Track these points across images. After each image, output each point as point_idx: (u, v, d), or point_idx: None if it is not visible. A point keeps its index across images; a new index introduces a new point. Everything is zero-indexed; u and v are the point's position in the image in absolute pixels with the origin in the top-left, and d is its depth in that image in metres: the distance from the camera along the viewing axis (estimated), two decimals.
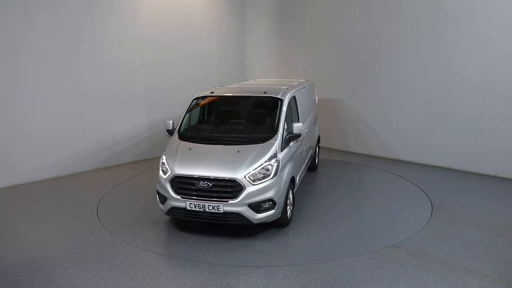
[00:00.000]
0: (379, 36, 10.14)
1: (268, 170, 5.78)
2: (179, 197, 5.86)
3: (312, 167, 9.18)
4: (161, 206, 6.20)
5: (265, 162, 5.80)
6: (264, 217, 5.78)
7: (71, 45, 9.06)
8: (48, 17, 8.65)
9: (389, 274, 4.96)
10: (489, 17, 8.38)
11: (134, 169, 9.67)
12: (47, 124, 8.88)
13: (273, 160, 5.87)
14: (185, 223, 6.46)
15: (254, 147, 6.02)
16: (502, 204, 7.17)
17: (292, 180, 6.47)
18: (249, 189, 5.63)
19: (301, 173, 7.49)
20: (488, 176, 8.75)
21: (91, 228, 6.43)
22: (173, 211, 6.00)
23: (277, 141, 6.10)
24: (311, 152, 8.56)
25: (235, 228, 6.22)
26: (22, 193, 8.17)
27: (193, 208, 5.78)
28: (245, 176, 5.65)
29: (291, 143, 6.56)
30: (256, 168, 5.73)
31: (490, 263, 5.18)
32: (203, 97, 7.28)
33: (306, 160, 8.01)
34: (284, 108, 6.58)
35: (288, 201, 6.19)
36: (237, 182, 5.64)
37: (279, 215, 5.99)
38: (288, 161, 6.30)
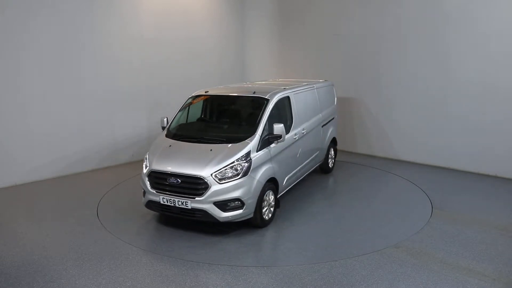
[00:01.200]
0: (379, 36, 10.14)
1: (237, 169, 5.83)
2: (154, 191, 6.15)
3: (325, 170, 9.09)
4: (142, 198, 6.51)
5: (235, 161, 5.86)
6: (231, 216, 5.84)
7: (71, 45, 9.06)
8: (48, 17, 8.65)
9: (389, 274, 4.96)
10: (489, 17, 8.38)
11: (134, 169, 9.67)
12: (47, 124, 8.88)
13: (244, 160, 5.90)
14: (186, 222, 6.48)
15: (228, 146, 6.10)
16: (502, 204, 7.17)
17: (274, 181, 6.46)
18: (215, 187, 5.73)
19: (293, 175, 7.27)
20: (488, 176, 8.75)
21: (91, 228, 6.43)
22: (150, 204, 6.31)
23: (252, 142, 6.10)
24: (316, 153, 8.33)
25: (234, 228, 6.23)
26: (22, 193, 8.17)
27: (166, 203, 6.03)
28: (211, 174, 5.76)
29: (273, 144, 6.44)
30: (224, 167, 5.81)
31: (490, 263, 5.18)
32: (197, 96, 7.53)
33: (305, 163, 7.81)
34: (269, 109, 6.54)
35: (265, 202, 6.23)
36: (203, 179, 5.77)
37: (250, 216, 6.03)
38: (266, 162, 6.24)
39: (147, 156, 6.54)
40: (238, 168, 5.84)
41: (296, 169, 7.40)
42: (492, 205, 7.14)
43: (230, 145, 6.12)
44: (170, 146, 6.50)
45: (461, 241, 5.79)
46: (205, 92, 7.51)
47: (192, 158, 6.05)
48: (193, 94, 7.59)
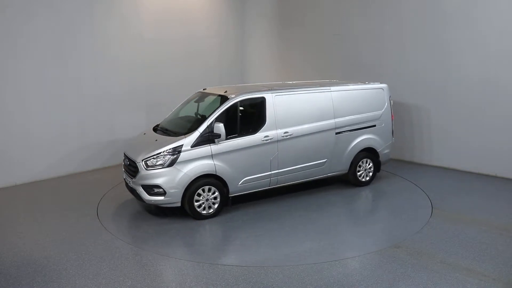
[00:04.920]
0: (379, 36, 10.14)
1: (162, 160, 6.43)
2: (123, 170, 7.24)
3: (353, 183, 8.16)
4: None
5: (163, 152, 6.44)
6: (154, 200, 6.52)
7: (71, 45, 9.06)
8: (48, 17, 8.65)
9: (389, 274, 4.96)
10: (489, 17, 8.39)
11: None
12: (47, 124, 8.88)
13: (172, 153, 6.42)
14: (187, 222, 6.49)
15: (169, 139, 6.67)
16: (502, 204, 7.17)
17: (218, 178, 6.66)
18: (142, 172, 6.50)
19: (260, 178, 7.04)
20: (488, 176, 8.75)
21: (91, 228, 6.43)
22: (124, 180, 7.28)
23: (189, 137, 6.52)
24: (322, 161, 7.64)
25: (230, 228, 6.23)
26: (22, 193, 8.16)
27: (126, 180, 7.06)
28: (141, 161, 6.52)
29: (218, 142, 6.58)
30: (151, 156, 6.48)
31: (490, 263, 5.18)
32: (195, 93, 7.98)
33: (291, 168, 7.31)
34: (222, 108, 6.73)
35: (201, 197, 6.58)
36: (135, 164, 6.61)
37: (176, 204, 6.53)
38: (202, 158, 6.51)
39: None
40: (164, 159, 6.41)
41: (267, 173, 7.10)
42: (492, 205, 7.13)
43: (169, 138, 6.73)
44: (145, 134, 7.51)
45: (461, 241, 5.79)
46: (203, 89, 7.86)
47: (140, 146, 6.97)
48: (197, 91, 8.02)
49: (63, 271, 5.12)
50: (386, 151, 8.47)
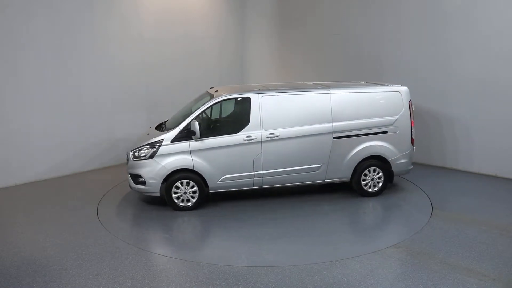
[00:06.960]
0: (379, 36, 10.14)
1: (144, 152, 6.98)
2: None
3: (359, 191, 7.60)
4: None
5: (146, 145, 7.01)
6: (137, 188, 7.12)
7: (71, 45, 9.05)
8: (48, 17, 8.65)
9: (389, 274, 4.96)
10: (489, 17, 8.39)
11: None
12: (47, 124, 8.87)
13: (153, 146, 6.95)
14: (187, 222, 6.47)
15: (158, 133, 7.18)
16: (502, 204, 7.17)
17: (196, 173, 6.93)
18: (130, 162, 7.15)
19: (242, 178, 7.07)
20: (488, 176, 8.75)
21: (91, 228, 6.43)
22: None
23: (170, 133, 6.98)
24: (316, 166, 7.31)
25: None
26: (22, 193, 8.16)
27: None
28: (131, 151, 7.18)
29: (195, 140, 6.86)
30: (138, 148, 7.09)
31: (490, 263, 5.18)
32: (204, 93, 8.06)
33: (279, 170, 7.16)
34: (205, 107, 7.11)
35: (179, 190, 6.93)
36: (127, 155, 7.26)
37: (156, 194, 7.04)
38: (180, 153, 6.89)
39: None
40: (146, 151, 6.94)
41: (250, 173, 7.09)
42: (492, 205, 7.14)
43: (158, 132, 7.23)
44: (150, 128, 8.03)
45: (461, 241, 5.79)
46: (210, 88, 8.11)
47: (138, 138, 7.63)
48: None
49: (63, 271, 5.12)
50: (401, 161, 7.61)
